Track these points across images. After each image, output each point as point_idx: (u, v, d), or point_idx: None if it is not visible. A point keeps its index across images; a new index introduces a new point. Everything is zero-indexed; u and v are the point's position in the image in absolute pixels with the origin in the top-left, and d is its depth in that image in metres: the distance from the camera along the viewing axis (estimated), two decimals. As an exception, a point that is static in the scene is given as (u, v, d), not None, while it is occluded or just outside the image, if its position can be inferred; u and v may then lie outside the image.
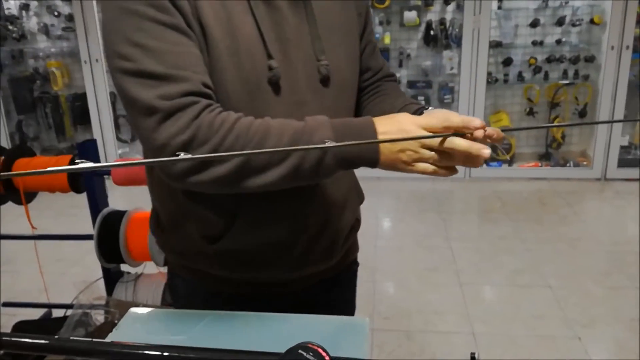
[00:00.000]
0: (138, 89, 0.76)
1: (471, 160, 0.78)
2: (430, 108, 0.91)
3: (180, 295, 1.10)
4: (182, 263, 1.04)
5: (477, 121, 0.78)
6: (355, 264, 1.20)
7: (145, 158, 0.88)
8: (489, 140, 0.79)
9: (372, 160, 0.80)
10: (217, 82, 0.82)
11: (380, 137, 0.78)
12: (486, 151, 0.77)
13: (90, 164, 0.52)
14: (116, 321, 0.95)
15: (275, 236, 0.95)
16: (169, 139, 0.75)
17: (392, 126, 0.78)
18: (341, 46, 0.95)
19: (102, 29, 0.82)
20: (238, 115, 0.80)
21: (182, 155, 0.61)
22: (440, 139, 0.78)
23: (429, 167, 0.80)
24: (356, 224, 1.12)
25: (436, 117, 0.79)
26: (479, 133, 0.78)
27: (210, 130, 0.76)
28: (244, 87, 0.84)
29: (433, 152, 0.79)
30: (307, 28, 0.89)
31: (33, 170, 0.53)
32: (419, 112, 0.93)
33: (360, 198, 1.13)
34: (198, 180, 0.78)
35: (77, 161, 0.53)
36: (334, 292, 1.12)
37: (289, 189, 0.84)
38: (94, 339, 0.79)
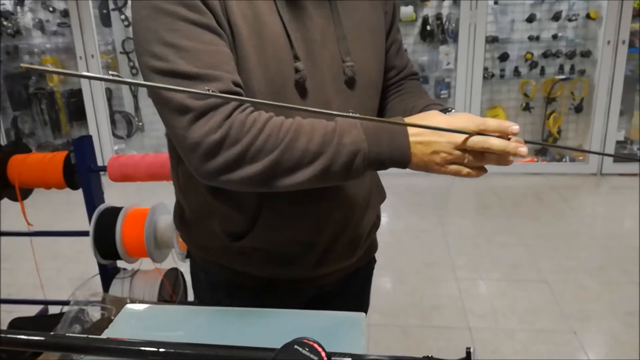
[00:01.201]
0: None
1: (503, 158, 0.79)
2: (453, 110, 0.91)
3: (203, 288, 1.11)
4: (205, 257, 1.05)
5: (515, 127, 0.78)
6: (373, 260, 1.21)
7: (179, 156, 0.88)
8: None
9: (404, 161, 0.80)
10: (244, 81, 0.82)
11: (412, 138, 0.78)
12: (523, 149, 0.77)
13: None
14: (112, 317, 0.95)
15: (297, 235, 0.95)
16: (202, 137, 0.76)
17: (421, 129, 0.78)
18: (368, 46, 0.95)
19: (133, 28, 0.82)
20: (269, 115, 0.80)
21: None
22: (476, 140, 0.78)
23: (463, 169, 0.80)
24: (377, 222, 1.13)
25: (471, 120, 0.78)
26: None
27: (242, 129, 0.77)
28: (270, 87, 0.84)
29: (466, 154, 0.79)
30: (332, 28, 0.89)
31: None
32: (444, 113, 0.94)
33: (382, 196, 1.13)
34: (229, 179, 0.78)
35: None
36: (351, 287, 1.13)
37: (311, 190, 0.85)
38: (89, 336, 0.79)
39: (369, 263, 1.19)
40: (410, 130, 0.79)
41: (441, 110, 0.92)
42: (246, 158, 0.77)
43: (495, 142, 0.77)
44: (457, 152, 0.79)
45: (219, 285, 1.05)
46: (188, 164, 0.81)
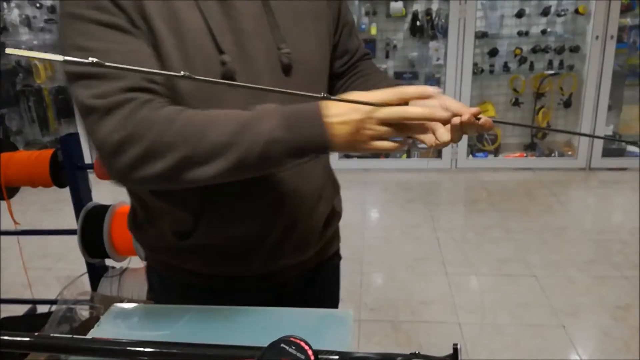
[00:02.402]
0: (80, 91, 0.76)
1: (426, 130, 0.77)
2: None
3: (156, 289, 1.10)
4: (157, 258, 1.04)
5: (430, 89, 0.77)
6: (337, 256, 1.18)
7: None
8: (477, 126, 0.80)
9: (323, 145, 0.76)
10: (169, 80, 0.81)
11: (334, 119, 0.75)
12: (442, 114, 0.75)
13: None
14: (101, 316, 0.94)
15: (244, 231, 0.93)
16: (106, 136, 0.75)
17: (344, 106, 0.76)
18: (306, 33, 0.93)
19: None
20: (182, 108, 0.78)
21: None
22: (394, 111, 0.75)
23: (388, 144, 0.78)
24: (334, 215, 1.10)
25: (389, 89, 0.77)
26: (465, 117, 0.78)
27: (148, 125, 0.75)
28: (197, 84, 0.82)
29: (390, 127, 0.76)
30: (265, 17, 0.88)
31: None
32: None
33: (336, 189, 1.11)
34: (139, 177, 0.77)
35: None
36: (314, 285, 1.11)
37: (256, 184, 0.84)
38: (74, 336, 0.78)
39: (332, 258, 1.16)
40: (332, 111, 0.76)
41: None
42: (153, 154, 0.75)
43: (413, 110, 0.75)
44: (381, 127, 0.76)
45: (173, 286, 1.04)
46: (102, 165, 0.80)
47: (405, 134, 0.78)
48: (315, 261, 1.08)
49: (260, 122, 0.76)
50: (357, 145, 0.77)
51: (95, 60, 0.60)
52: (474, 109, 0.80)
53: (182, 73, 0.64)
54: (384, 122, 0.75)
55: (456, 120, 0.82)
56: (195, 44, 0.81)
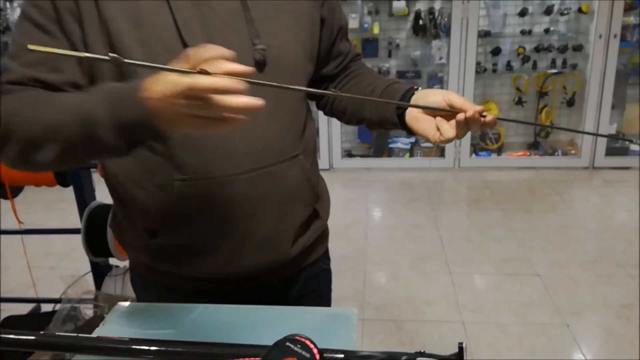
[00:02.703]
0: None
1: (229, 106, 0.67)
2: (420, 88, 0.93)
3: (137, 288, 1.10)
4: (136, 258, 1.04)
5: (240, 68, 0.67)
6: (322, 261, 1.15)
7: None
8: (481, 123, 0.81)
9: (145, 124, 0.70)
10: (131, 75, 0.81)
11: (152, 94, 0.68)
12: (240, 86, 0.65)
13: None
14: (105, 315, 0.95)
15: (208, 230, 0.92)
16: None
17: (166, 82, 0.67)
18: (285, 31, 0.92)
19: None
20: (19, 95, 0.80)
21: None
22: (190, 82, 0.65)
23: (199, 121, 0.68)
24: (314, 219, 1.06)
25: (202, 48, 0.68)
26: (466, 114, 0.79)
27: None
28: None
29: (201, 102, 0.66)
30: (242, 14, 0.88)
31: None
32: (410, 93, 0.94)
33: (317, 193, 1.05)
34: (5, 162, 0.81)
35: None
36: (298, 290, 1.09)
37: (221, 183, 0.85)
38: (80, 334, 0.79)
39: (316, 262, 1.12)
40: (153, 87, 0.68)
41: (408, 89, 0.95)
42: (3, 141, 0.78)
43: (203, 81, 0.64)
44: (189, 102, 0.66)
45: (153, 289, 1.04)
46: None
47: (211, 112, 0.68)
48: (296, 265, 1.06)
49: (87, 102, 0.74)
50: (178, 123, 0.69)
51: (114, 55, 0.60)
52: (479, 107, 0.82)
53: (197, 69, 0.64)
54: (189, 96, 0.66)
55: (461, 116, 0.83)
56: (160, 39, 0.82)
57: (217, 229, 0.93)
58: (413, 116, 0.94)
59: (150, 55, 0.81)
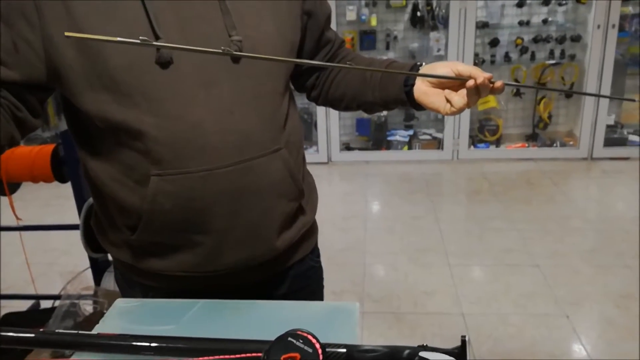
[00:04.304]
0: None
1: None
2: (424, 63, 0.95)
3: (122, 287, 1.10)
4: (119, 256, 1.02)
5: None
6: (311, 258, 1.13)
7: (85, 152, 0.94)
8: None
9: None
10: (101, 70, 0.81)
11: None
12: None
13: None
14: (105, 311, 0.94)
15: (186, 224, 0.91)
16: None
17: None
18: (263, 22, 0.91)
19: None
20: None
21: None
22: None
23: None
24: (299, 215, 1.04)
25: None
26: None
27: None
28: (132, 73, 0.82)
29: None
30: (218, 5, 0.87)
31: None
32: (416, 69, 0.96)
33: (302, 189, 1.02)
34: None
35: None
36: (287, 287, 1.08)
37: (198, 177, 0.85)
38: (79, 332, 0.78)
39: (303, 261, 1.10)
40: None
41: (413, 65, 0.97)
42: None
43: None
44: None
45: (136, 288, 1.03)
46: None
47: None
48: (283, 262, 1.04)
49: None
50: None
51: (144, 39, 0.62)
52: (487, 74, 0.85)
53: (222, 49, 0.67)
54: None
55: (471, 82, 0.85)
56: (132, 34, 0.81)
57: (197, 225, 0.91)
58: (422, 91, 0.94)
59: (123, 49, 0.80)
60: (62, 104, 0.92)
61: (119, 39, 0.62)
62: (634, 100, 0.98)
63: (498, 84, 0.85)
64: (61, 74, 0.83)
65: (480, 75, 0.84)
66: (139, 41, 0.62)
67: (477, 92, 0.86)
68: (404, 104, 0.99)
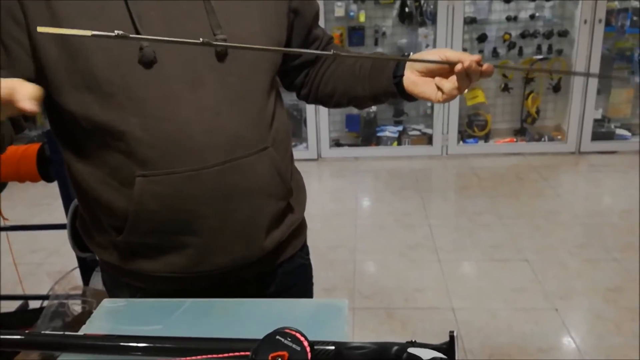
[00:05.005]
0: None
1: None
2: (412, 53, 0.93)
3: (109, 289, 1.09)
4: (105, 258, 1.01)
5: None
6: (300, 256, 1.13)
7: (70, 152, 0.93)
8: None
9: None
10: (83, 69, 0.81)
11: None
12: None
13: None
14: (94, 310, 0.93)
15: (175, 225, 0.90)
16: None
17: None
18: (248, 21, 0.91)
19: None
20: None
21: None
22: None
23: None
24: (287, 214, 1.03)
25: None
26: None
27: None
28: (114, 72, 0.81)
29: None
30: (202, 3, 0.87)
31: None
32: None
33: (290, 187, 1.01)
34: None
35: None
36: (277, 286, 1.07)
37: (187, 177, 0.85)
38: (65, 333, 0.77)
39: (292, 259, 1.10)
40: None
41: (400, 57, 0.97)
42: None
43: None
44: None
45: (123, 290, 1.03)
46: None
47: None
48: (272, 261, 1.04)
49: None
50: None
51: (120, 33, 0.61)
52: (476, 56, 0.85)
53: (200, 40, 0.66)
54: None
55: (459, 66, 0.85)
56: (114, 30, 0.81)
57: (184, 225, 0.90)
58: (411, 81, 0.94)
59: (106, 50, 0.80)
60: (45, 105, 0.91)
61: (93, 32, 0.61)
62: (625, 78, 0.98)
63: (487, 66, 0.85)
64: (47, 74, 0.83)
65: (468, 58, 0.84)
66: (113, 34, 0.61)
67: (467, 76, 0.86)
68: (394, 95, 0.98)
